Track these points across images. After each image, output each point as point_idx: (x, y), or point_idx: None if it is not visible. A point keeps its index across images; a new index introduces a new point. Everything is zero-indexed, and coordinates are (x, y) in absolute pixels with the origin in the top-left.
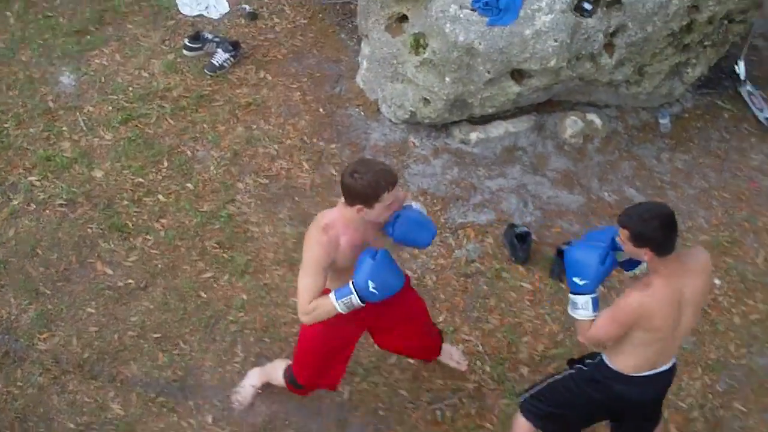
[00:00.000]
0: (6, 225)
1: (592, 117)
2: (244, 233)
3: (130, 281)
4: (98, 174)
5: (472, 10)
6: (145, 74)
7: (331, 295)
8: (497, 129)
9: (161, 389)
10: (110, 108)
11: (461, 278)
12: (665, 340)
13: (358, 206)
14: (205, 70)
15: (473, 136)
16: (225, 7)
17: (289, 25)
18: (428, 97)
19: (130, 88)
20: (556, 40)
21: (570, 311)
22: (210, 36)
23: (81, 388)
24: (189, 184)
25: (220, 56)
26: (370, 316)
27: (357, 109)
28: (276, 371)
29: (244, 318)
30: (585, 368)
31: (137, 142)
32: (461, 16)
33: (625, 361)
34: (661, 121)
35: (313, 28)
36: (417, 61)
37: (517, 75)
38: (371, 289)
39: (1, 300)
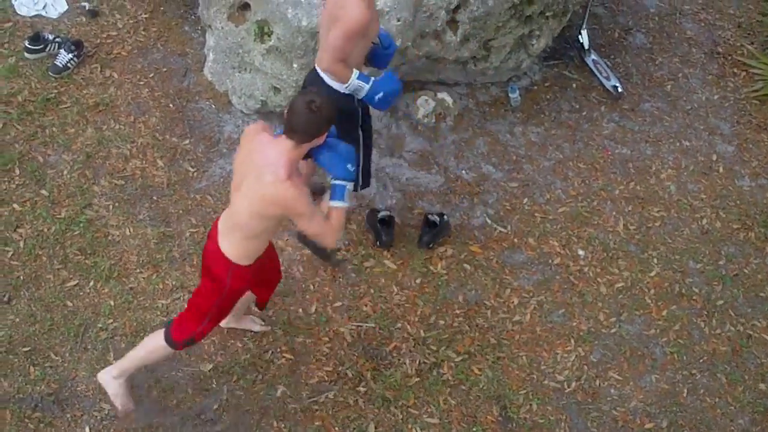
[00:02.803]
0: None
1: (443, 96)
2: (105, 237)
3: None
4: None
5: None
6: None
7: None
8: None
9: (36, 404)
10: None
11: (328, 268)
12: None
13: (318, 138)
14: (49, 72)
15: None
16: (63, 6)
17: (131, 21)
18: (278, 86)
19: None
20: (398, 20)
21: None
22: (51, 36)
23: None
24: (44, 191)
25: (63, 57)
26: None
27: (207, 102)
28: (148, 350)
29: (114, 324)
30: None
31: None
32: (303, 1)
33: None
34: (511, 95)
35: (155, 22)
36: (263, 49)
37: None
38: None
39: None
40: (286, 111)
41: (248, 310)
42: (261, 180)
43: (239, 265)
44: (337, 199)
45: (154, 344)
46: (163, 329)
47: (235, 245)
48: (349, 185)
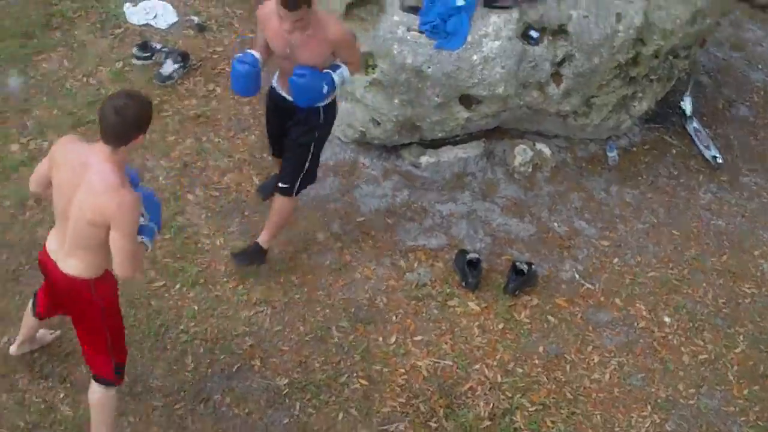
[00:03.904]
0: None
1: (541, 146)
2: (195, 244)
3: None
4: None
5: (419, 32)
6: (93, 81)
7: (146, 240)
8: (447, 154)
9: None
10: (59, 113)
11: (412, 301)
12: None
13: (140, 136)
14: (154, 80)
15: (423, 159)
16: (173, 17)
17: (237, 39)
18: (377, 119)
19: (79, 95)
20: (503, 67)
21: (348, 83)
22: (159, 46)
23: (30, 388)
24: None
25: (169, 66)
26: None
27: None
28: (103, 411)
29: (195, 329)
30: (318, 131)
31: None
32: (409, 38)
33: None
34: (609, 154)
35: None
36: (366, 82)
37: (466, 100)
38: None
39: None
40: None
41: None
42: (94, 190)
43: (97, 278)
44: (147, 237)
45: (98, 399)
46: (94, 383)
47: (84, 261)
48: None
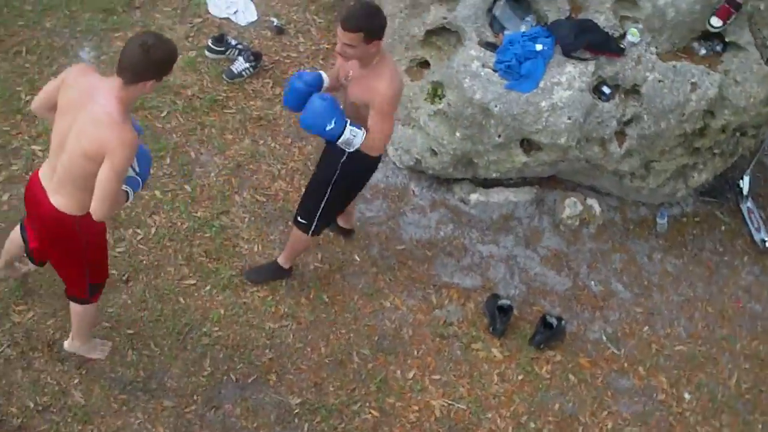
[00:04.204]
0: (1, 189)
1: (592, 202)
2: (233, 247)
3: (113, 272)
4: None
5: (493, 70)
6: None
7: (129, 190)
8: (498, 195)
9: (124, 386)
10: None
11: (437, 338)
12: None
13: (152, 81)
14: (224, 75)
15: (473, 197)
16: (253, 16)
17: (312, 47)
18: (436, 149)
19: None
20: (569, 118)
21: (353, 148)
22: (234, 42)
23: (46, 368)
24: (187, 186)
25: (240, 64)
26: None
27: None
28: (78, 316)
29: (218, 333)
30: (340, 172)
31: (144, 132)
32: (482, 74)
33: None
34: (659, 220)
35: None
36: (431, 110)
37: (527, 145)
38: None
39: None
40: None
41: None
42: (96, 120)
43: (82, 216)
44: (131, 187)
45: (74, 308)
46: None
47: (72, 197)
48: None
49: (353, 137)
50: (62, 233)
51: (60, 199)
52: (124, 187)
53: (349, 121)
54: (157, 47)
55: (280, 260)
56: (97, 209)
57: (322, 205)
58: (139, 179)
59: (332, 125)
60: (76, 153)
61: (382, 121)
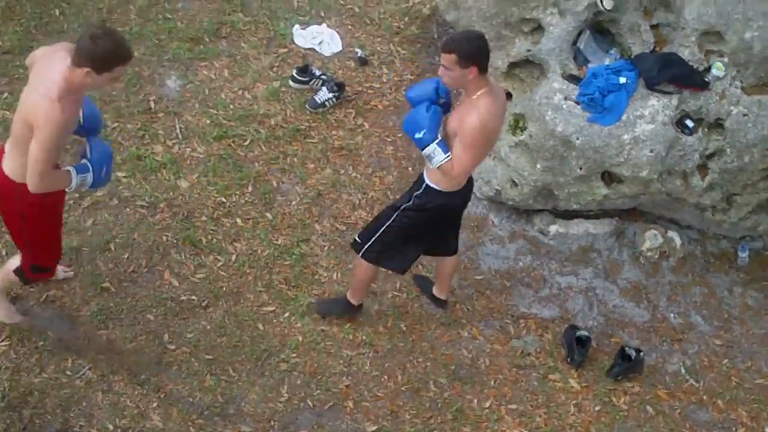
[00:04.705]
0: (86, 214)
1: (673, 235)
2: (312, 275)
3: (193, 297)
4: (184, 184)
5: (576, 103)
6: (248, 96)
7: (72, 171)
8: (578, 227)
9: (202, 411)
10: (208, 121)
11: (513, 369)
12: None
13: (87, 69)
14: (307, 105)
15: (553, 228)
16: (338, 46)
17: (395, 78)
18: (516, 180)
19: (231, 107)
20: (651, 151)
21: (432, 165)
22: (318, 72)
23: (126, 392)
24: (268, 214)
25: (324, 94)
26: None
27: None
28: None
29: (296, 360)
30: (411, 201)
31: (227, 161)
32: (564, 106)
33: (444, 182)
34: (741, 254)
35: None
36: (513, 142)
37: (608, 177)
38: (103, 176)
39: (66, 287)
40: None
41: None
42: (37, 90)
43: (22, 184)
44: (79, 171)
45: (7, 268)
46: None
47: (15, 161)
48: (89, 176)
49: (434, 155)
50: (4, 196)
51: (9, 163)
52: (69, 168)
53: (439, 139)
54: (105, 41)
55: (349, 295)
56: (28, 179)
57: (382, 229)
58: (90, 165)
59: (421, 135)
60: (19, 116)
61: (462, 151)
